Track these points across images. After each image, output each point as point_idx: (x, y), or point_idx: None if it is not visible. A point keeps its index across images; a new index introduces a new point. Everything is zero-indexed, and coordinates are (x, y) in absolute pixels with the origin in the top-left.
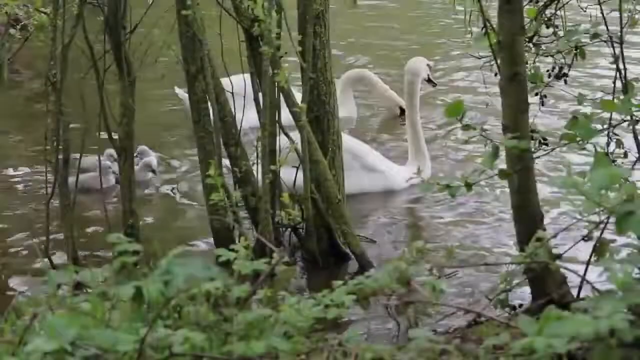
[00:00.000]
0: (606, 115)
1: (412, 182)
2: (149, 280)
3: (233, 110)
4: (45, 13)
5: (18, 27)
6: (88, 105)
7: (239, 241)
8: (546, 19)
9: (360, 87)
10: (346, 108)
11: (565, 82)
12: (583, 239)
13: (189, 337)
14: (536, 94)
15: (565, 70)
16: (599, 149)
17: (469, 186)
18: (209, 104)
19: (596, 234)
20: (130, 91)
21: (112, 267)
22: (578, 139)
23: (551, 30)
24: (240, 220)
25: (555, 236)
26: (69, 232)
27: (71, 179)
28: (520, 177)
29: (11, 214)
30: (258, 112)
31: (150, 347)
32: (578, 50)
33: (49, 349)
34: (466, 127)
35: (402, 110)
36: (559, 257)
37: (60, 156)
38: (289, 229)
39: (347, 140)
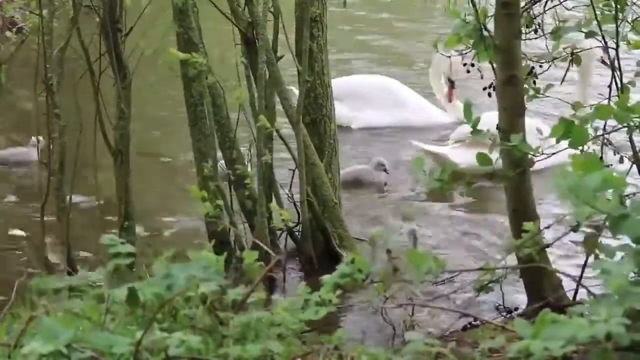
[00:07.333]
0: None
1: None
2: (147, 282)
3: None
4: (39, 15)
5: (14, 29)
6: (83, 108)
7: (234, 245)
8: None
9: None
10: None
11: (534, 82)
12: (572, 230)
13: (185, 340)
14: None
15: (536, 70)
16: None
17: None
18: (205, 107)
19: (582, 228)
20: (125, 94)
21: (106, 269)
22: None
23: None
24: (235, 224)
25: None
26: (65, 234)
27: None
28: (517, 180)
29: (8, 216)
30: (254, 116)
31: (146, 350)
32: (574, 57)
33: (45, 352)
34: (476, 132)
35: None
36: (547, 246)
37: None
38: (285, 232)
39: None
